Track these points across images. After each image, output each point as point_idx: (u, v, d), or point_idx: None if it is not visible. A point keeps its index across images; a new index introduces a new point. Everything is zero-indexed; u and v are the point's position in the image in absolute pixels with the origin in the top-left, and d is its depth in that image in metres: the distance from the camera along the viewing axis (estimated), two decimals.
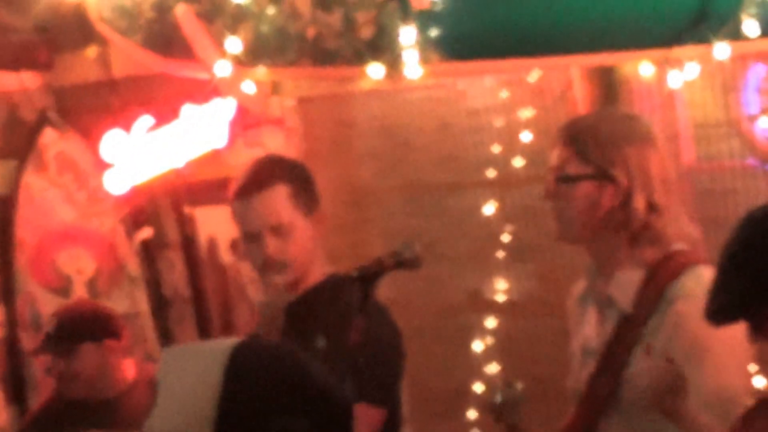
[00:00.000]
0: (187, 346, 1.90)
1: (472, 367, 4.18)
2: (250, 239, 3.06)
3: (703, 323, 2.42)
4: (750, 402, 2.53)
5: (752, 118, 3.37)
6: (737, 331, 2.38)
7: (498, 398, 2.72)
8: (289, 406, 1.85)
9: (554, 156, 2.79)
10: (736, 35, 2.90)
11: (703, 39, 2.96)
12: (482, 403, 3.38)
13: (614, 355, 2.67)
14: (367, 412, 2.86)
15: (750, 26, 2.83)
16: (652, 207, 2.65)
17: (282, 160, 3.33)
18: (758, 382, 2.73)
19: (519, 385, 2.76)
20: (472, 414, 4.09)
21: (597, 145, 2.69)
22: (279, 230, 3.00)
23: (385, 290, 2.78)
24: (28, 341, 4.63)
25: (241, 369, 1.81)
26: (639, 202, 2.63)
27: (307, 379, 1.86)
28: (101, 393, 3.78)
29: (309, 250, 3.05)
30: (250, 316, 4.53)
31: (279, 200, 3.02)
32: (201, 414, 1.75)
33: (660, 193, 2.68)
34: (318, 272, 2.97)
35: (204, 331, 4.70)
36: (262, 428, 1.82)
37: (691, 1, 3.00)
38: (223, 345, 1.80)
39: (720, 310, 2.26)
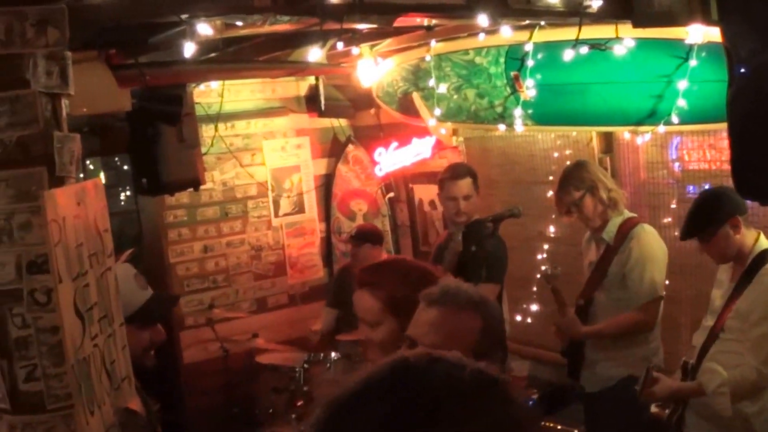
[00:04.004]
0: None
1: (537, 265, 4.16)
2: (451, 200, 3.40)
3: (645, 249, 2.89)
4: (663, 293, 2.99)
5: (672, 161, 3.47)
6: (661, 256, 2.94)
7: (548, 271, 3.09)
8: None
9: (564, 196, 3.09)
10: (668, 122, 3.09)
11: (653, 122, 3.17)
12: (541, 278, 3.24)
13: (604, 263, 3.09)
14: (492, 287, 3.02)
15: (674, 118, 3.04)
16: (609, 192, 3.05)
17: (468, 165, 3.65)
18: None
19: (558, 268, 3.13)
20: (534, 288, 4.21)
21: (578, 178, 3.10)
22: (466, 198, 3.39)
23: (502, 228, 3.14)
24: (335, 239, 5.31)
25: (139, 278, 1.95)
26: (603, 192, 3.06)
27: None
28: None
29: (475, 208, 3.47)
30: (435, 236, 4.67)
31: (468, 184, 3.38)
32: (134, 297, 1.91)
33: (612, 187, 3.08)
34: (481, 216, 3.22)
35: (414, 241, 5.05)
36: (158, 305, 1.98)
37: (647, 105, 3.15)
38: (126, 266, 1.94)
39: (686, 233, 2.61)
